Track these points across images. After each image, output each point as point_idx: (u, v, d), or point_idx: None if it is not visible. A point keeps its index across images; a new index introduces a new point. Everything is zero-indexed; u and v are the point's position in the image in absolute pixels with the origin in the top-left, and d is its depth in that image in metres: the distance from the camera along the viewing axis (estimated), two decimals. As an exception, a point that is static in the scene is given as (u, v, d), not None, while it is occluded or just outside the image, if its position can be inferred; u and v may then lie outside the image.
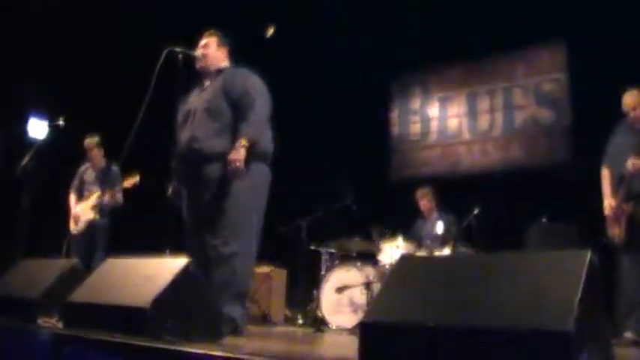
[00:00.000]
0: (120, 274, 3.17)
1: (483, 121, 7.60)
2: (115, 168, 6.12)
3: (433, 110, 8.08)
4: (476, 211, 5.87)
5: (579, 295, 1.84)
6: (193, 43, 3.98)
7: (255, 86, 3.79)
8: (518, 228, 5.96)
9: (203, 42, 3.99)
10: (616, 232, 4.47)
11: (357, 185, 6.29)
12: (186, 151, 3.75)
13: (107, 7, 7.28)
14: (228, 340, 3.03)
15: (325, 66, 8.02)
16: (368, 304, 5.24)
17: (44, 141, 5.59)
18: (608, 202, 4.54)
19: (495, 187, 6.70)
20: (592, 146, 4.97)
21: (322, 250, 6.27)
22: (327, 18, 7.72)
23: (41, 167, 5.24)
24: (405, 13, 7.47)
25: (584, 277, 1.91)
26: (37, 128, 6.51)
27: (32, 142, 5.71)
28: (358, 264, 5.77)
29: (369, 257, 6.01)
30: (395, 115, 8.43)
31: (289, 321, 6.40)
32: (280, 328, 5.70)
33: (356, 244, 6.14)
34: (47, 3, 7.32)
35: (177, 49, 3.86)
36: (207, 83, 3.94)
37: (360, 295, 5.49)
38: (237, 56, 4.06)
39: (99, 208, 5.94)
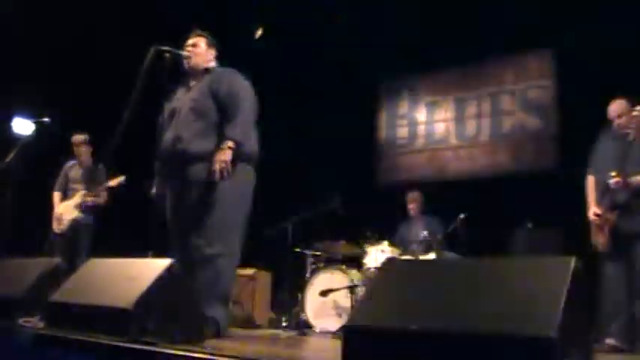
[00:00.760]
0: (103, 274, 3.15)
1: (471, 127, 7.63)
2: (101, 166, 6.09)
3: (421, 115, 8.10)
4: (462, 216, 5.91)
5: (563, 302, 1.85)
6: (179, 44, 3.95)
7: (242, 87, 3.77)
8: (504, 233, 5.99)
9: (191, 41, 3.96)
10: (600, 240, 4.49)
11: (343, 188, 6.28)
12: (171, 151, 3.71)
13: (93, 5, 7.22)
14: (211, 342, 3.01)
15: (314, 70, 8.03)
16: (352, 307, 5.23)
17: (29, 138, 5.52)
18: (593, 211, 4.57)
19: (482, 193, 6.73)
20: (578, 153, 5.00)
21: (307, 252, 6.26)
22: (316, 23, 7.71)
23: (25, 165, 5.18)
24: (394, 18, 7.49)
25: (568, 284, 1.92)
26: (22, 125, 6.43)
27: (17, 139, 5.64)
28: (343, 267, 5.77)
29: (355, 261, 6.01)
30: (382, 119, 8.44)
31: (273, 324, 6.37)
32: (264, 331, 5.67)
33: (341, 247, 6.14)
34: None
35: (165, 48, 3.82)
36: (193, 83, 3.92)
37: (344, 299, 5.48)
38: (225, 58, 4.04)
39: (83, 206, 5.90)
